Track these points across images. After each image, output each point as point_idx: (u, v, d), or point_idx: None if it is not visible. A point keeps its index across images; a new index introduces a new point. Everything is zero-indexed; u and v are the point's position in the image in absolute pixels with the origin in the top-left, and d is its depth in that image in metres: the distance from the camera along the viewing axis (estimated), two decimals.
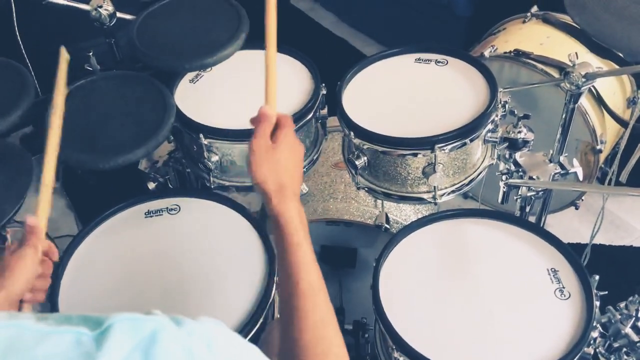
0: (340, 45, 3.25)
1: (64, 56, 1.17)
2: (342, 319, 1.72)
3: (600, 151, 1.99)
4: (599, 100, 1.96)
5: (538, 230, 1.32)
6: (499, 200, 1.54)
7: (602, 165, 2.20)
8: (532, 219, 1.61)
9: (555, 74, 1.92)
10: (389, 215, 1.62)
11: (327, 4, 3.53)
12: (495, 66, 2.00)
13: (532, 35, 2.09)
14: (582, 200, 2.14)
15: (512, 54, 1.98)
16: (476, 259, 1.29)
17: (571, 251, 1.27)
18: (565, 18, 2.11)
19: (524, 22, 2.17)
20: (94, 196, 2.35)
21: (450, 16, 2.76)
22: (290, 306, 0.86)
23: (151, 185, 1.68)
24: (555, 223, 2.18)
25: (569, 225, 2.25)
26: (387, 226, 1.58)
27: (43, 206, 1.00)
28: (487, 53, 2.00)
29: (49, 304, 1.25)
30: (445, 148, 1.30)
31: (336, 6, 3.47)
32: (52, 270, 0.99)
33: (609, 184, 1.88)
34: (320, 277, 0.90)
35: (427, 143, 1.29)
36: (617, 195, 2.30)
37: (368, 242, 1.68)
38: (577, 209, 2.16)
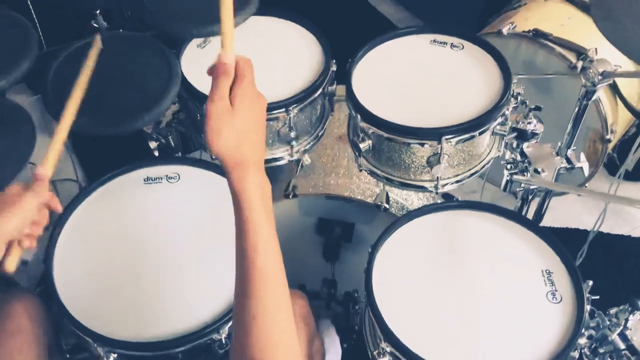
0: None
1: (97, 44, 1.14)
2: (334, 291, 1.74)
3: (609, 141, 1.96)
4: (614, 88, 1.92)
5: (537, 229, 1.31)
6: (502, 187, 1.53)
7: (610, 152, 2.17)
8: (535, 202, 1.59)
9: (573, 58, 1.87)
10: (389, 194, 1.61)
11: None
12: (512, 45, 1.96)
13: (553, 15, 2.03)
14: (586, 186, 2.12)
15: (530, 33, 1.92)
16: (472, 254, 1.29)
17: (567, 254, 1.27)
18: None
19: None
20: (95, 143, 2.34)
21: None
22: (244, 289, 0.82)
23: (153, 145, 1.67)
24: (557, 206, 2.17)
25: (571, 210, 2.24)
26: (387, 206, 1.57)
27: (53, 156, 0.98)
28: (505, 30, 1.95)
29: (44, 266, 1.26)
30: (452, 140, 1.27)
31: None
32: (48, 221, 0.98)
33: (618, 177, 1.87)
34: (278, 261, 0.85)
35: (434, 134, 1.26)
36: (622, 184, 2.28)
37: (366, 218, 1.67)
38: (579, 196, 2.14)
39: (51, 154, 0.98)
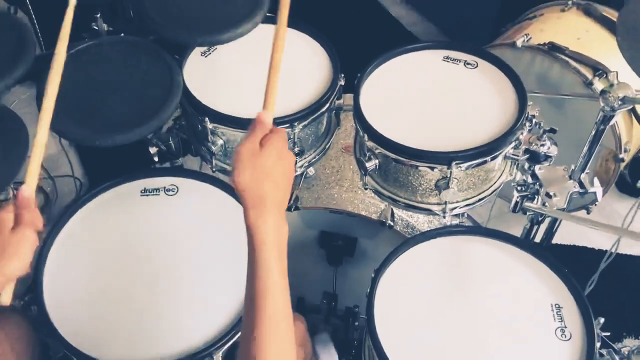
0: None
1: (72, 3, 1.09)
2: (334, 304, 1.69)
3: (622, 160, 1.91)
4: (631, 108, 1.86)
5: (548, 260, 1.26)
6: (510, 208, 1.47)
7: (622, 170, 2.12)
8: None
9: (588, 74, 1.81)
10: (394, 211, 1.56)
11: None
12: (527, 57, 1.90)
13: (570, 27, 1.97)
14: (596, 204, 2.07)
15: (546, 46, 1.86)
16: (479, 285, 1.24)
17: (578, 288, 1.21)
18: (608, 12, 1.98)
19: (563, 10, 2.04)
20: None
21: None
22: (249, 333, 0.82)
23: (153, 150, 1.62)
24: (564, 224, 2.12)
25: (578, 227, 2.18)
26: (391, 223, 1.52)
27: (34, 170, 0.92)
28: (519, 42, 1.89)
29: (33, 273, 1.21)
30: (462, 165, 1.22)
31: None
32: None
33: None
34: (286, 306, 0.85)
35: (444, 159, 1.21)
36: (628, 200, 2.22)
37: (370, 233, 1.62)
38: (588, 213, 2.09)
39: (32, 168, 0.92)
